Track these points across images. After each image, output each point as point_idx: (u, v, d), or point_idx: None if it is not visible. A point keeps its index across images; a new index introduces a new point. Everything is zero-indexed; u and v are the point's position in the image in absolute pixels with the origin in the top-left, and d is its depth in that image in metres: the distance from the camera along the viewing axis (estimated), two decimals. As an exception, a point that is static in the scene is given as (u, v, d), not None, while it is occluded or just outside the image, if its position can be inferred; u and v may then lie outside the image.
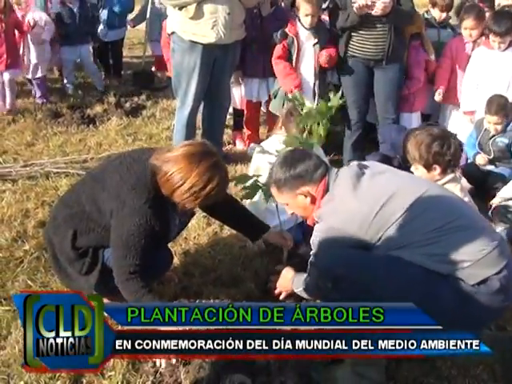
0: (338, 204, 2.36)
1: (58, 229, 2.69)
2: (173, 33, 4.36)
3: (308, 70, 4.46)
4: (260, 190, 3.09)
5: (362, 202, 2.30)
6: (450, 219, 2.24)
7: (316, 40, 4.37)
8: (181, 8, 4.15)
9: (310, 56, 4.42)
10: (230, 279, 3.04)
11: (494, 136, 4.22)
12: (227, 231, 3.54)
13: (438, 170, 2.99)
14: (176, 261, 3.18)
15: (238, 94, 5.04)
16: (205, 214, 3.55)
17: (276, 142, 3.42)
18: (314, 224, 2.51)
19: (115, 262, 2.50)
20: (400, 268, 2.22)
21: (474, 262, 2.18)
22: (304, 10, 4.33)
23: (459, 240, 2.21)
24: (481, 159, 4.28)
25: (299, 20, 4.39)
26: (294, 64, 4.43)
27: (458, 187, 3.04)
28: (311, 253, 2.51)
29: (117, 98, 6.39)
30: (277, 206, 3.02)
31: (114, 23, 7.20)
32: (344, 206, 2.33)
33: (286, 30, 4.42)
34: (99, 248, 2.65)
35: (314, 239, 2.44)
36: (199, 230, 3.52)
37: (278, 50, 4.46)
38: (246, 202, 3.31)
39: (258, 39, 4.68)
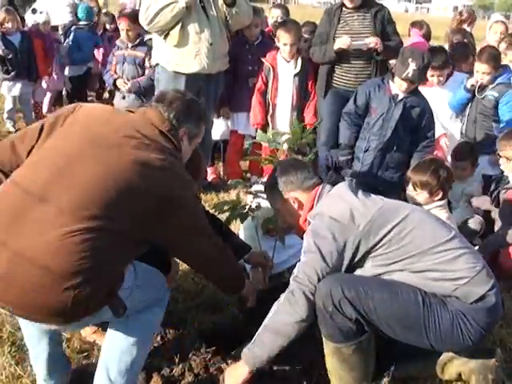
0: (336, 199, 2.36)
1: None
2: (157, 64, 4.48)
3: (285, 100, 4.54)
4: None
5: (359, 201, 2.31)
6: (440, 239, 2.28)
7: (297, 71, 4.46)
8: (166, 36, 4.27)
9: (289, 87, 4.51)
10: (214, 304, 3.07)
11: (483, 89, 4.19)
12: (210, 257, 3.58)
13: (440, 195, 3.18)
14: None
15: (226, 127, 5.05)
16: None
17: None
18: (302, 234, 2.48)
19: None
20: (400, 290, 2.22)
21: (470, 278, 2.22)
22: (283, 39, 4.42)
23: (453, 258, 2.25)
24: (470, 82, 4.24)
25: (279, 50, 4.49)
26: (270, 94, 4.52)
27: (445, 215, 3.17)
28: (300, 261, 2.34)
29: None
30: (275, 245, 3.03)
31: (74, 59, 6.90)
32: (343, 198, 2.34)
33: (263, 59, 4.51)
34: None
35: (307, 241, 2.32)
36: (183, 256, 3.56)
37: (258, 82, 4.58)
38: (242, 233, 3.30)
39: (253, 73, 4.70)
